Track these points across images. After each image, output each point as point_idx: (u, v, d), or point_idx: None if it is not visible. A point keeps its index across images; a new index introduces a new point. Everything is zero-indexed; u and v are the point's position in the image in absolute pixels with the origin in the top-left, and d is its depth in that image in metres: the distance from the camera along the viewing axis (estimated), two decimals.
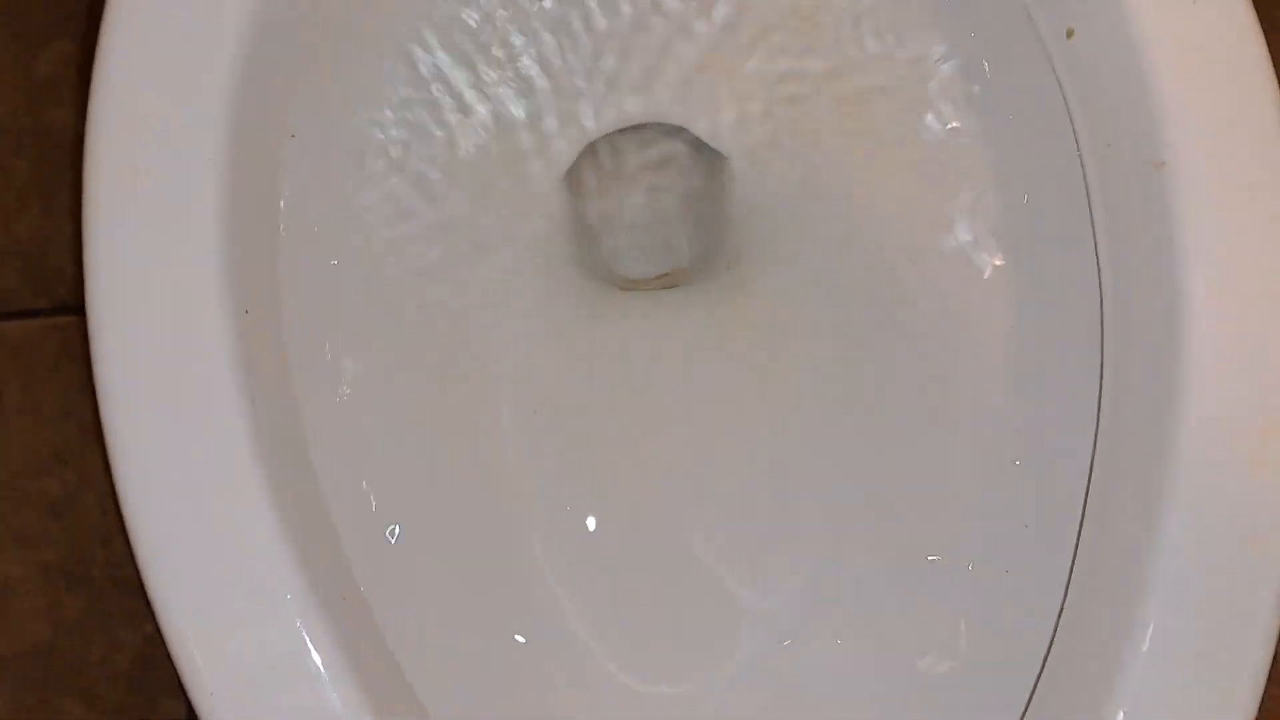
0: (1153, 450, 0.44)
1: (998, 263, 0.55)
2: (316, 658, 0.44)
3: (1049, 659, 0.47)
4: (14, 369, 0.78)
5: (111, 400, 0.45)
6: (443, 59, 0.56)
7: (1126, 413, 0.47)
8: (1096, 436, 0.48)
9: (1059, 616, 0.48)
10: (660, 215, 0.62)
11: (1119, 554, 0.45)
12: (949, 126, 0.56)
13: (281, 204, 0.52)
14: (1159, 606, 0.43)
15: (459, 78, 0.56)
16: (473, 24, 0.56)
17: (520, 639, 0.54)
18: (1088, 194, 0.49)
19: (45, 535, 0.77)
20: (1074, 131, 0.50)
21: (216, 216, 0.45)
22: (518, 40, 0.57)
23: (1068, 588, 0.48)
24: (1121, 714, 0.43)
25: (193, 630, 0.45)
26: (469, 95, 0.56)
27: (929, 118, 0.57)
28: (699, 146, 0.61)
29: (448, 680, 0.51)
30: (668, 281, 0.61)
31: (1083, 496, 0.49)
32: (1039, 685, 0.48)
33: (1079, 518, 0.49)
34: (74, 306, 0.79)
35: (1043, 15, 0.50)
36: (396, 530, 0.54)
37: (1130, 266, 0.47)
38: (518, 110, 0.57)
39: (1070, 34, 0.49)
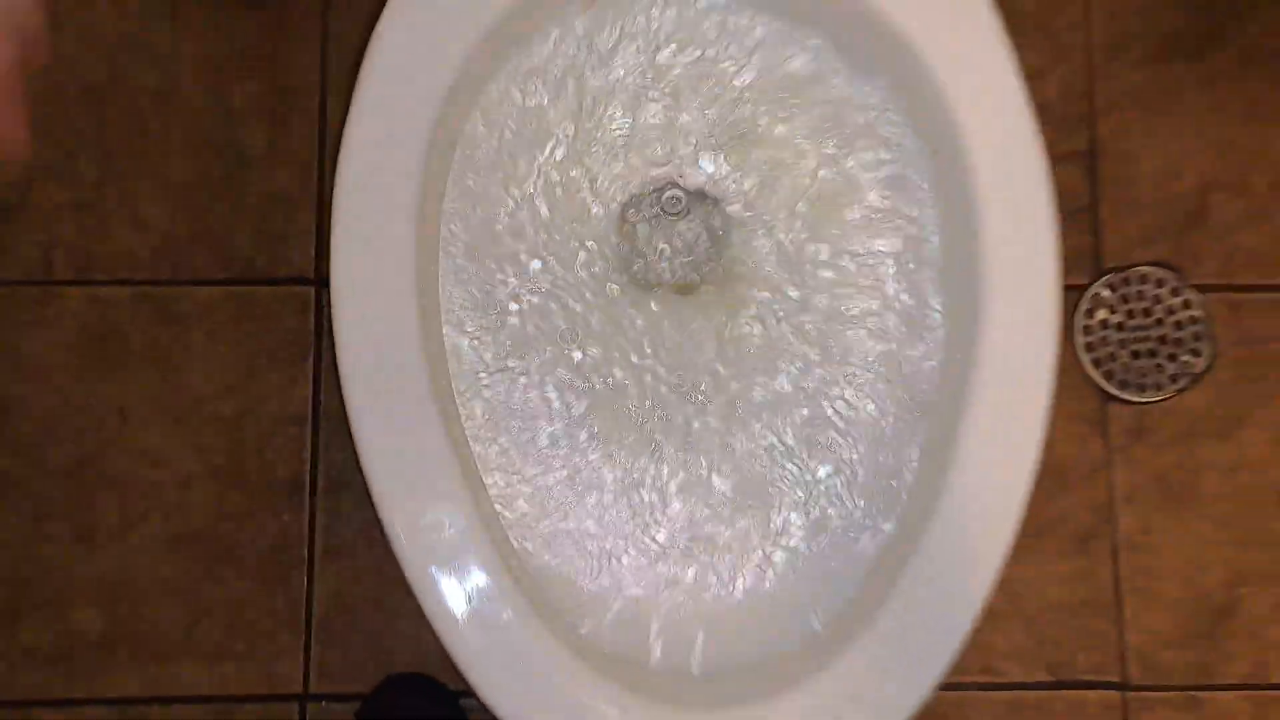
0: (963, 373, 0.71)
1: (892, 268, 0.82)
2: (473, 533, 0.70)
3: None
4: (199, 322, 1.06)
5: (345, 353, 0.70)
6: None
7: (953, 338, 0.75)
8: (941, 363, 0.76)
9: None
10: (676, 245, 0.88)
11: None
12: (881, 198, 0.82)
13: (443, 230, 0.78)
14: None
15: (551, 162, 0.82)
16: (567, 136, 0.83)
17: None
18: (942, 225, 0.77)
19: (217, 446, 1.05)
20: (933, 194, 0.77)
21: (414, 245, 0.71)
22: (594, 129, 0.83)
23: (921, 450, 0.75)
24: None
25: (400, 515, 0.70)
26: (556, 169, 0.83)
27: (871, 196, 0.83)
28: (704, 198, 0.87)
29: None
30: (678, 289, 0.87)
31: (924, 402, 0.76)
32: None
33: (924, 415, 0.76)
34: (248, 280, 1.06)
35: (928, 142, 0.76)
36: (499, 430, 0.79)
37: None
38: (579, 173, 0.83)
39: (935, 154, 0.75)
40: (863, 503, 0.80)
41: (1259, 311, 1.12)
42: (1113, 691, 1.08)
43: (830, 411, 0.81)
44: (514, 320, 0.82)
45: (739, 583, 0.79)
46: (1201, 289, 1.12)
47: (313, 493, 1.05)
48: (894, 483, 0.80)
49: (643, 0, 0.83)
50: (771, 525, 0.80)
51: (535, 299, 0.82)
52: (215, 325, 1.06)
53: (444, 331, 0.79)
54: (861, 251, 0.83)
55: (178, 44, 1.08)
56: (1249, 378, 1.11)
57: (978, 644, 1.05)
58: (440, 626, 0.70)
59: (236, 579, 1.04)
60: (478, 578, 0.70)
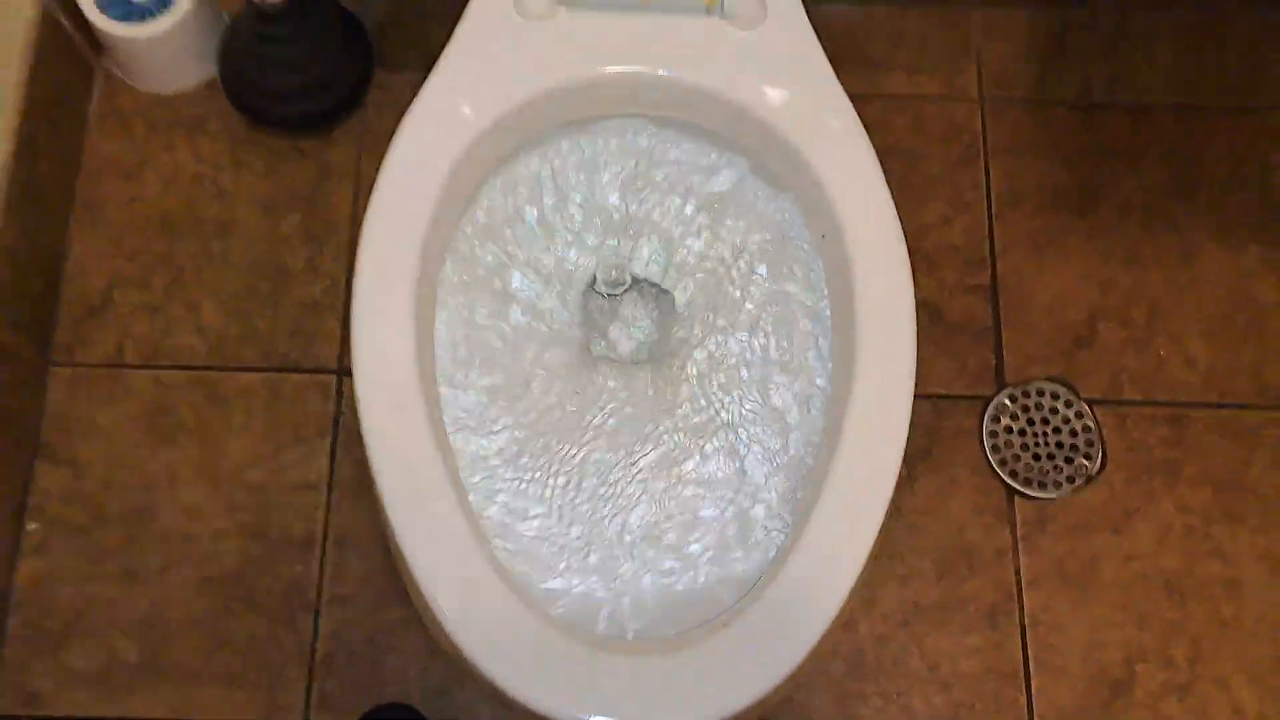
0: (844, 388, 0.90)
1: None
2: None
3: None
4: (240, 402, 1.27)
5: (363, 387, 0.90)
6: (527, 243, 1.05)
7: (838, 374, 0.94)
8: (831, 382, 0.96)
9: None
10: (630, 325, 1.09)
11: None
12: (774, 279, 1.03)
13: (439, 294, 1.00)
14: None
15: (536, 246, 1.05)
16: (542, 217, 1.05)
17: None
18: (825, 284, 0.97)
19: (245, 505, 1.24)
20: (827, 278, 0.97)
21: (412, 311, 0.92)
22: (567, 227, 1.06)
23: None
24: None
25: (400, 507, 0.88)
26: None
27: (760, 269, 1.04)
28: (655, 289, 1.08)
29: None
30: (632, 359, 1.07)
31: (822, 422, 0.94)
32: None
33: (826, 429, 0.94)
34: (282, 368, 1.28)
35: (815, 227, 0.98)
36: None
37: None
38: (550, 261, 1.05)
39: (824, 236, 0.96)
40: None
41: (1142, 423, 1.30)
42: None
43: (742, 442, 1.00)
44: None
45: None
46: (1091, 403, 1.31)
47: (323, 548, 1.23)
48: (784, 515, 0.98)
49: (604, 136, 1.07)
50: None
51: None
52: (252, 405, 1.27)
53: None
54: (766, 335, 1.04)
55: (238, 184, 1.34)
56: (1136, 479, 1.28)
57: (900, 705, 1.21)
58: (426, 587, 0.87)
59: (253, 618, 1.21)
60: (464, 557, 0.88)
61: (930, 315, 1.33)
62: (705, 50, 0.98)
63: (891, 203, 0.95)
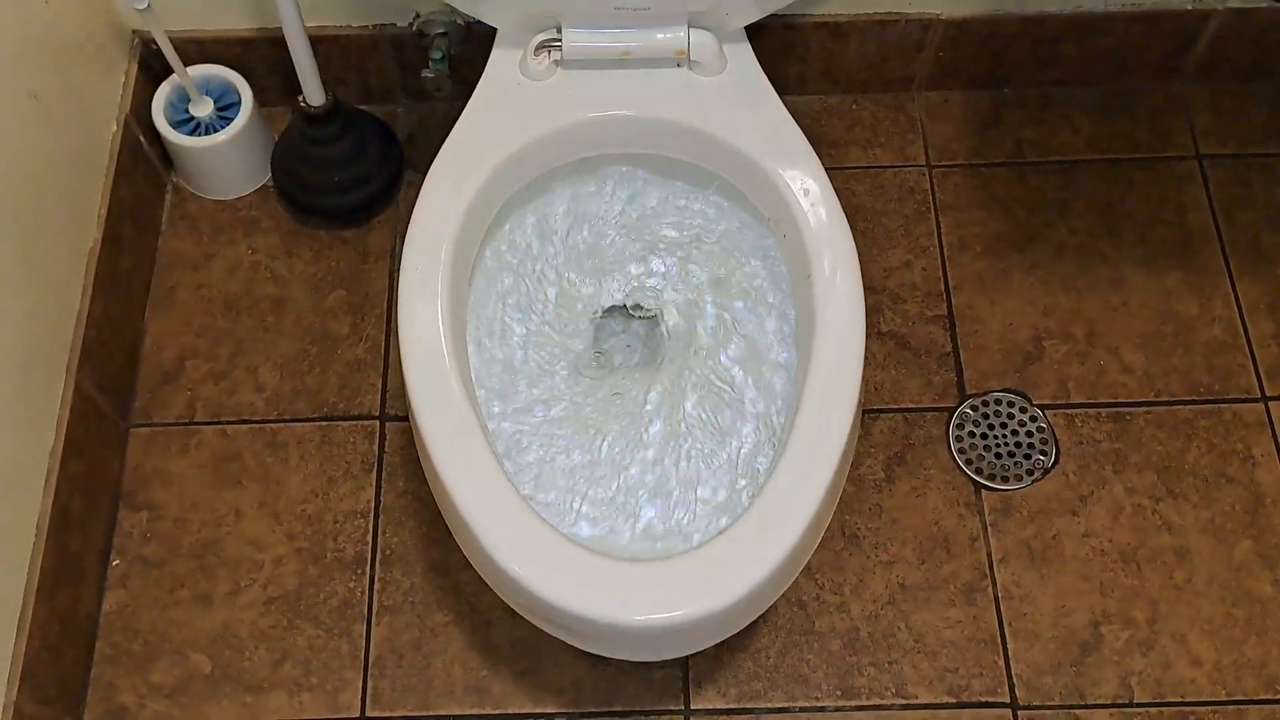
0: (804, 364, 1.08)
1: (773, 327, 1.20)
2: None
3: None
4: (296, 448, 1.45)
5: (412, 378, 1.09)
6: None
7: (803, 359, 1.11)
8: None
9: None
10: (632, 342, 1.29)
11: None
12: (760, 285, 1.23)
13: (469, 321, 1.19)
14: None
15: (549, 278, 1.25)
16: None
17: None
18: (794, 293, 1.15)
19: (303, 533, 1.41)
20: (789, 272, 1.16)
21: (450, 327, 1.11)
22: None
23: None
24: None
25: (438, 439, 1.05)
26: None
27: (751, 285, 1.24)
28: (649, 314, 1.28)
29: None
30: (633, 367, 1.26)
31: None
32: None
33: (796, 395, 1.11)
34: (332, 417, 1.46)
35: (776, 230, 1.18)
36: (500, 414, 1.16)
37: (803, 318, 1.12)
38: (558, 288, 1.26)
39: (784, 236, 1.17)
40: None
41: (1089, 421, 1.48)
42: (1005, 710, 1.34)
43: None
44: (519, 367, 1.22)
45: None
46: (1043, 407, 1.48)
47: (372, 566, 1.39)
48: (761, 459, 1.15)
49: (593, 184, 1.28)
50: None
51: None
52: (306, 450, 1.45)
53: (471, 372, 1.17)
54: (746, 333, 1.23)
55: (290, 268, 1.56)
56: (1088, 469, 1.45)
57: (892, 673, 1.35)
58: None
59: (313, 630, 1.37)
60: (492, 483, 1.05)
61: (898, 342, 1.52)
62: (677, 94, 1.20)
63: (837, 201, 1.15)
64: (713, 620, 1.01)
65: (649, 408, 1.20)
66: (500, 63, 1.23)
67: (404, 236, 1.15)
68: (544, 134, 1.19)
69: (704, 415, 1.20)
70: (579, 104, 1.21)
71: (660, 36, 1.20)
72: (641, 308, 1.28)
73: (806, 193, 1.16)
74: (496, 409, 1.19)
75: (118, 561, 1.40)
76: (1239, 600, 1.38)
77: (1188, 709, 1.33)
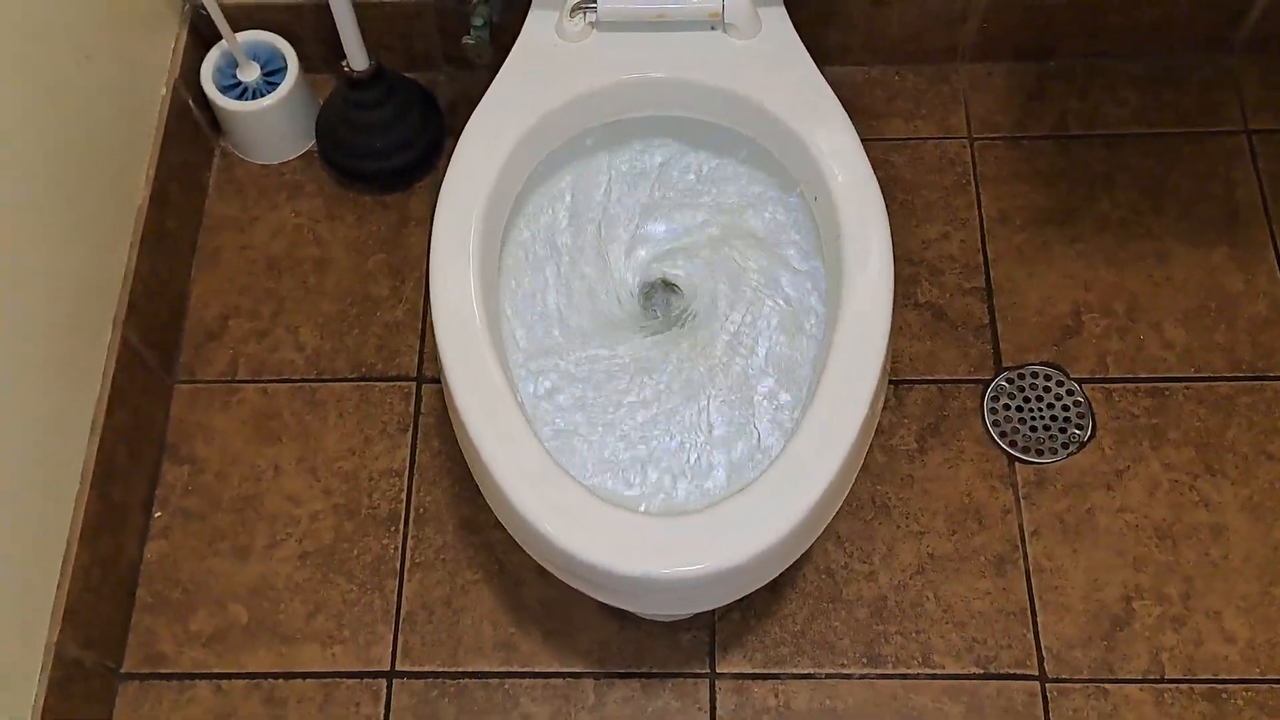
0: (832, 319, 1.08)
1: (798, 268, 1.20)
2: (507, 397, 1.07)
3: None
4: (334, 406, 1.48)
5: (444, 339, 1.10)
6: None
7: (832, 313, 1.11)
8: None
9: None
10: (661, 308, 1.30)
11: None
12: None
13: (502, 282, 1.20)
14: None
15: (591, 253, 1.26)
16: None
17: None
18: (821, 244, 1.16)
19: (339, 490, 1.44)
20: (821, 236, 1.17)
21: (481, 288, 1.13)
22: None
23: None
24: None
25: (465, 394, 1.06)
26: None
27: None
28: (675, 285, 1.29)
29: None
30: (663, 330, 1.27)
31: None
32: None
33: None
34: (370, 378, 1.49)
35: (808, 193, 1.18)
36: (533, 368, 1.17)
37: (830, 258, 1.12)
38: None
39: (815, 199, 1.17)
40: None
41: (1126, 396, 1.46)
42: (1033, 682, 1.33)
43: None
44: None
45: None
46: (1080, 381, 1.47)
47: (405, 523, 1.41)
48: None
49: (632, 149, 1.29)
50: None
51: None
52: (345, 408, 1.48)
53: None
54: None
55: (332, 232, 1.58)
56: (1125, 443, 1.44)
57: (920, 642, 1.35)
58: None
59: (347, 584, 1.39)
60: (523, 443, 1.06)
61: (934, 314, 1.51)
62: (711, 57, 1.21)
63: (868, 163, 1.15)
64: (733, 574, 1.02)
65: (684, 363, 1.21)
66: (536, 24, 1.24)
67: None
68: (578, 95, 1.20)
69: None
70: (613, 66, 1.21)
71: None
72: (672, 285, 1.29)
73: (838, 155, 1.16)
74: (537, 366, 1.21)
75: (160, 513, 1.43)
76: (1276, 579, 1.36)
77: (1219, 686, 1.32)
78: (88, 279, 1.35)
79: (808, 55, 1.22)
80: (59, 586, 1.26)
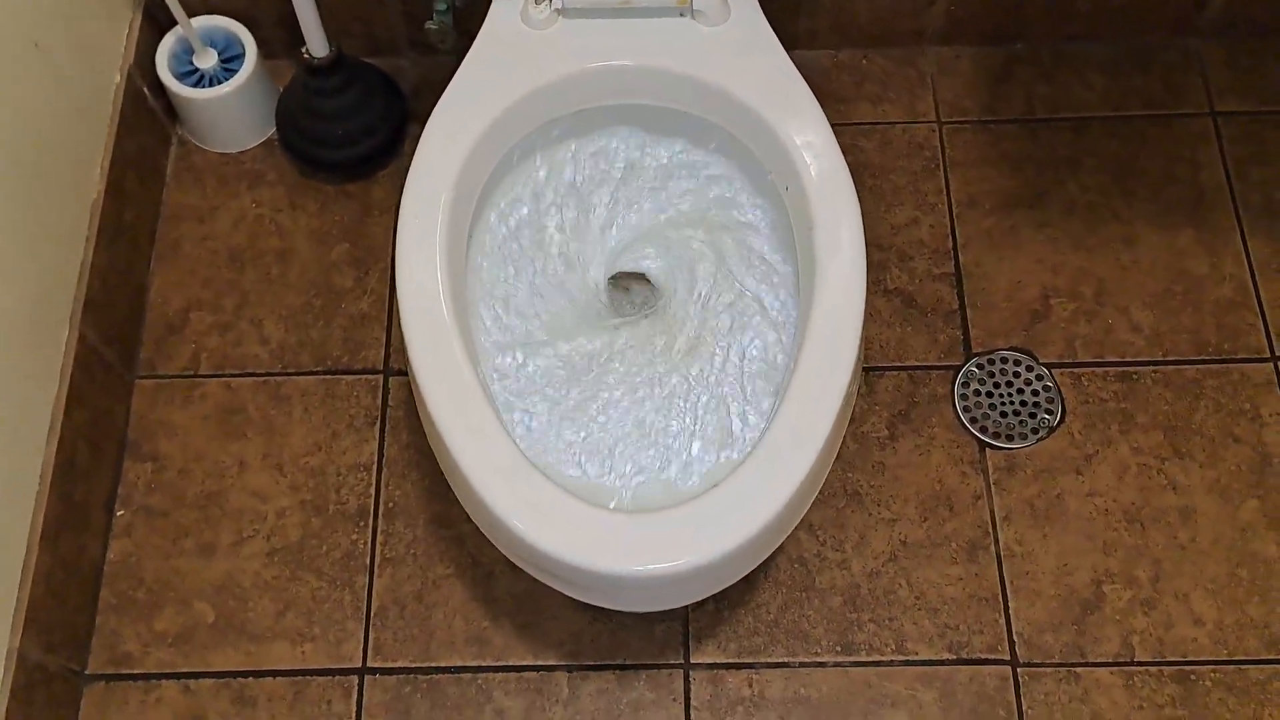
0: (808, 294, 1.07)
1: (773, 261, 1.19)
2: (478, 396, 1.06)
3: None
4: (300, 401, 1.46)
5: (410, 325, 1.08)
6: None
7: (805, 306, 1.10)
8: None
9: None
10: (629, 297, 1.28)
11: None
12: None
13: (472, 262, 1.19)
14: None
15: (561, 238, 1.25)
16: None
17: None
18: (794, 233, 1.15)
19: (307, 485, 1.41)
20: (792, 224, 1.16)
21: (448, 278, 1.11)
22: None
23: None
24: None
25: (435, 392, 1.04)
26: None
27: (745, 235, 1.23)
28: (643, 275, 1.27)
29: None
30: (633, 318, 1.25)
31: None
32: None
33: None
34: (335, 371, 1.46)
35: (779, 183, 1.17)
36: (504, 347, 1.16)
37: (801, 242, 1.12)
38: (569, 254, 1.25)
39: (786, 189, 1.15)
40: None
41: (1095, 380, 1.46)
42: (1005, 666, 1.33)
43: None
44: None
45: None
46: (1049, 366, 1.47)
47: (374, 518, 1.40)
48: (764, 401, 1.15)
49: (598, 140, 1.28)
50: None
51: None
52: (310, 403, 1.45)
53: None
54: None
55: (294, 222, 1.55)
56: (1094, 428, 1.44)
57: (892, 629, 1.35)
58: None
59: (316, 581, 1.37)
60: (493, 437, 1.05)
61: (904, 300, 1.51)
62: (679, 44, 1.19)
63: (839, 151, 1.14)
64: (707, 571, 1.01)
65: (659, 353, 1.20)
66: (501, 11, 1.22)
67: None
68: (544, 84, 1.18)
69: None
70: (579, 53, 1.19)
71: None
72: (641, 275, 1.28)
73: (809, 145, 1.15)
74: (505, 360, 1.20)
75: (122, 511, 1.41)
76: (1243, 560, 1.37)
77: (1189, 668, 1.33)
78: (43, 274, 1.32)
79: (778, 41, 1.21)
80: (20, 589, 1.23)
